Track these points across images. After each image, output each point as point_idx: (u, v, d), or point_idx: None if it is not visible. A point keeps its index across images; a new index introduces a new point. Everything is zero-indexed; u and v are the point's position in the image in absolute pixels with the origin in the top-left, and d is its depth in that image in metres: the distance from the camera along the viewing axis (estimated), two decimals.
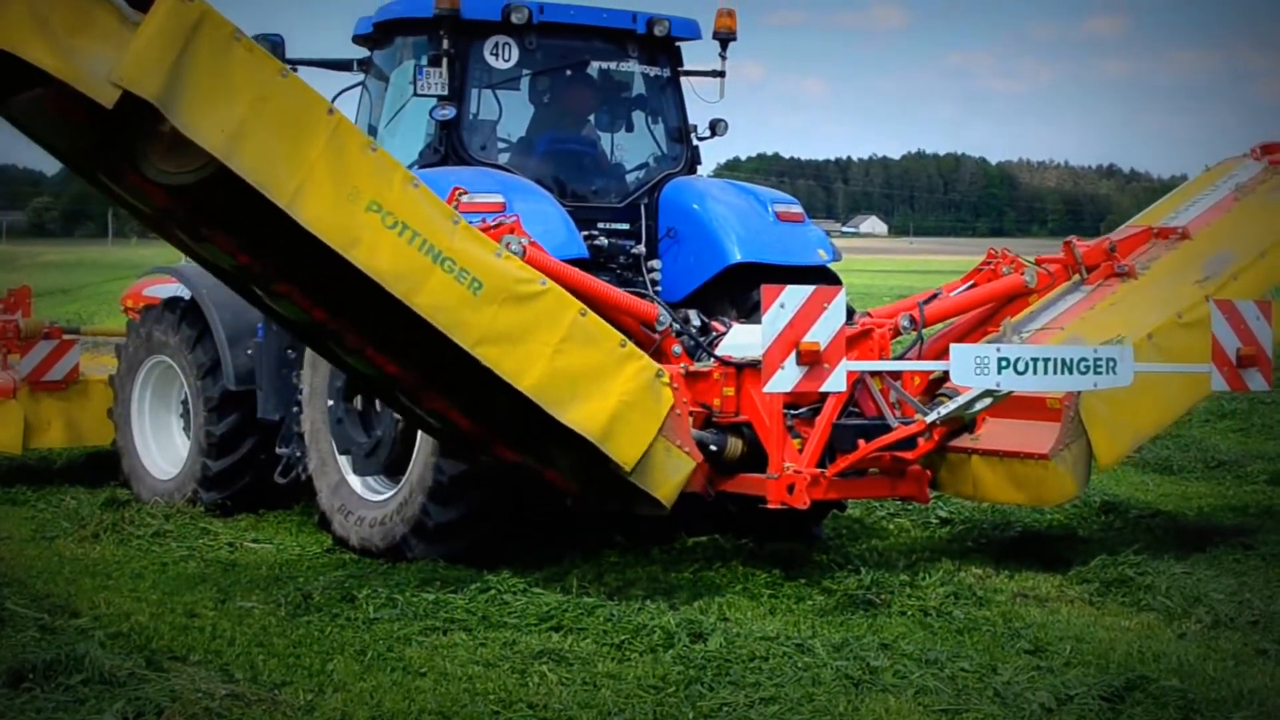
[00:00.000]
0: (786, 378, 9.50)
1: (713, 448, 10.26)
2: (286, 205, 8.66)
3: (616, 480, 9.72)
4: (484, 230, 9.58)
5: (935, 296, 11.51)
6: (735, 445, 10.35)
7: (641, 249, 11.99)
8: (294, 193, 8.67)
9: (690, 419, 10.03)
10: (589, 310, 9.50)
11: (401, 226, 8.90)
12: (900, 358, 11.03)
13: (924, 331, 11.10)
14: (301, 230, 8.79)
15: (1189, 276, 11.58)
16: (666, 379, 9.67)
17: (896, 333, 10.89)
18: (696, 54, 12.77)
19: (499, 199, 10.51)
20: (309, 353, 11.63)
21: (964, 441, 10.95)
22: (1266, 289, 11.49)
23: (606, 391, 9.42)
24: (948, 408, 10.18)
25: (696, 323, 11.04)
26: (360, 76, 12.84)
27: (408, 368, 9.83)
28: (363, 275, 8.95)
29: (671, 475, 9.70)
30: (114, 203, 9.73)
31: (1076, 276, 11.93)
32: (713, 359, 10.52)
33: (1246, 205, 12.38)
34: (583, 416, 9.34)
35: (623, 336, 9.66)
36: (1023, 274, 11.64)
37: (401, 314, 9.13)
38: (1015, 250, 12.10)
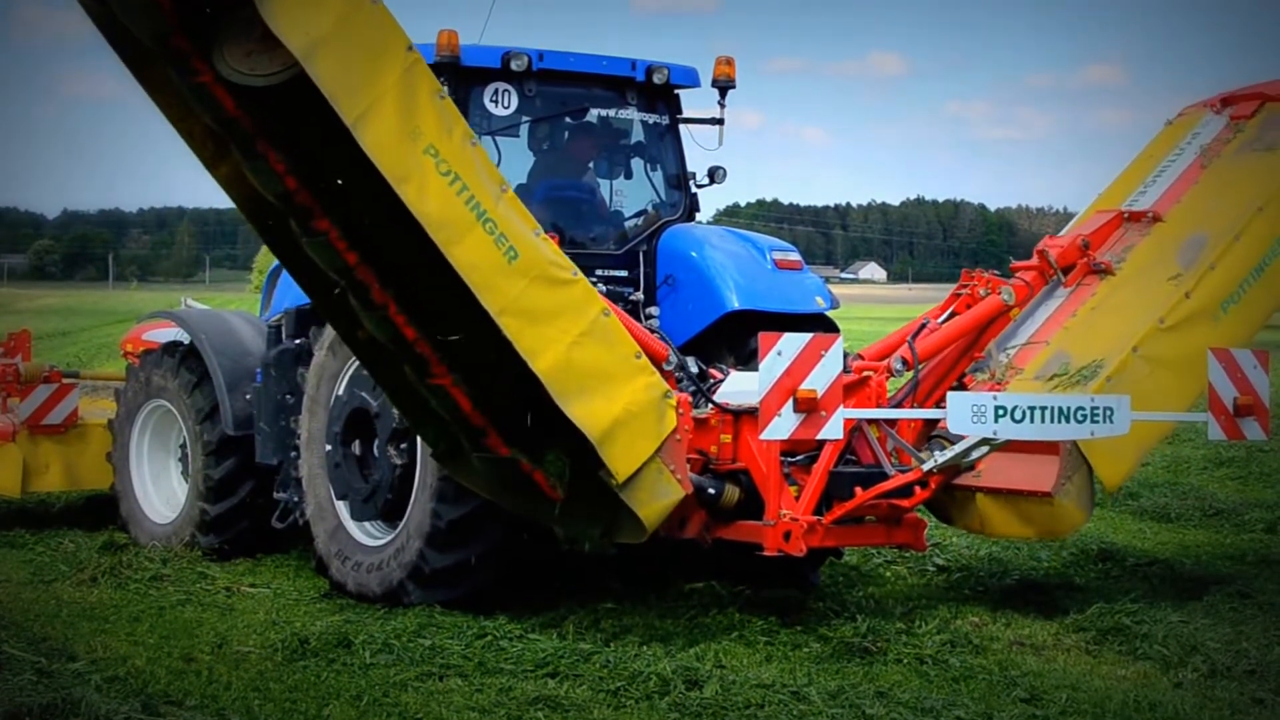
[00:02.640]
0: (783, 425, 9.51)
1: (710, 491, 10.27)
2: (351, 123, 8.80)
3: (603, 495, 9.70)
4: None
5: (924, 327, 11.45)
6: (732, 492, 10.35)
7: (640, 296, 12.02)
8: (361, 113, 8.83)
9: (689, 463, 10.03)
10: (612, 313, 9.58)
11: (454, 176, 9.03)
12: (896, 401, 10.99)
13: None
14: (355, 161, 8.90)
15: (1166, 270, 11.46)
16: (674, 402, 9.70)
17: (890, 374, 10.89)
18: (696, 101, 12.80)
19: None
20: (307, 398, 11.67)
21: (967, 479, 10.90)
22: (1245, 274, 11.35)
23: (614, 396, 9.46)
24: (945, 456, 10.17)
25: (694, 369, 11.06)
26: None
27: (424, 333, 9.82)
28: (403, 223, 9.03)
29: (659, 498, 9.66)
30: (170, 114, 9.80)
31: (1054, 278, 11.85)
32: (711, 405, 10.53)
33: (1214, 172, 12.18)
34: (586, 414, 9.34)
35: (639, 348, 9.70)
36: (1000, 293, 11.59)
37: (430, 273, 9.22)
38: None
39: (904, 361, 10.95)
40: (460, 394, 9.90)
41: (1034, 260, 11.92)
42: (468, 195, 9.06)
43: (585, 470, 9.68)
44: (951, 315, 11.55)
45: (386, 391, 10.52)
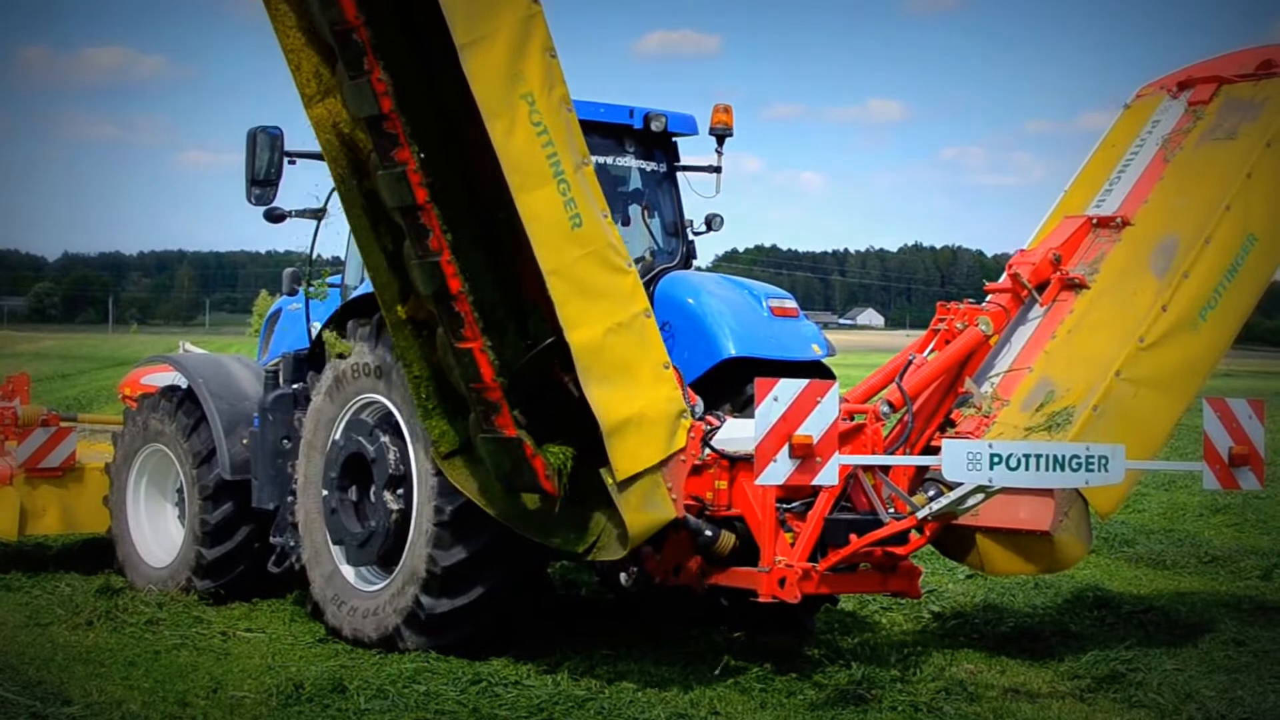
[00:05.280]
0: (779, 471, 9.50)
1: (708, 533, 10.28)
2: (461, 45, 9.11)
3: (596, 500, 9.71)
4: None
5: (910, 364, 11.46)
6: (727, 538, 10.37)
7: None
8: (473, 40, 9.16)
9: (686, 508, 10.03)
10: (654, 316, 9.72)
11: (543, 129, 9.29)
12: (890, 447, 10.96)
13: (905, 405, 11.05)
14: (452, 95, 9.22)
15: (1140, 281, 11.34)
16: (688, 424, 9.73)
17: (879, 419, 10.87)
18: (694, 148, 12.84)
19: None
20: (303, 443, 11.69)
21: (966, 519, 10.87)
22: (1219, 278, 11.21)
23: (634, 395, 9.54)
24: (939, 504, 10.17)
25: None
26: None
27: (468, 289, 9.77)
28: (477, 170, 9.34)
29: (650, 511, 9.67)
30: (287, 43, 10.12)
31: (1029, 297, 11.79)
32: (708, 451, 10.54)
33: (1177, 166, 12.04)
34: (604, 400, 9.41)
35: (669, 360, 9.79)
36: (977, 324, 11.58)
37: (490, 228, 9.53)
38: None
39: (890, 404, 10.96)
40: (485, 361, 9.81)
41: (1006, 282, 11.89)
42: (551, 151, 9.30)
43: (582, 478, 9.70)
44: (933, 351, 11.57)
45: (409, 374, 10.43)
